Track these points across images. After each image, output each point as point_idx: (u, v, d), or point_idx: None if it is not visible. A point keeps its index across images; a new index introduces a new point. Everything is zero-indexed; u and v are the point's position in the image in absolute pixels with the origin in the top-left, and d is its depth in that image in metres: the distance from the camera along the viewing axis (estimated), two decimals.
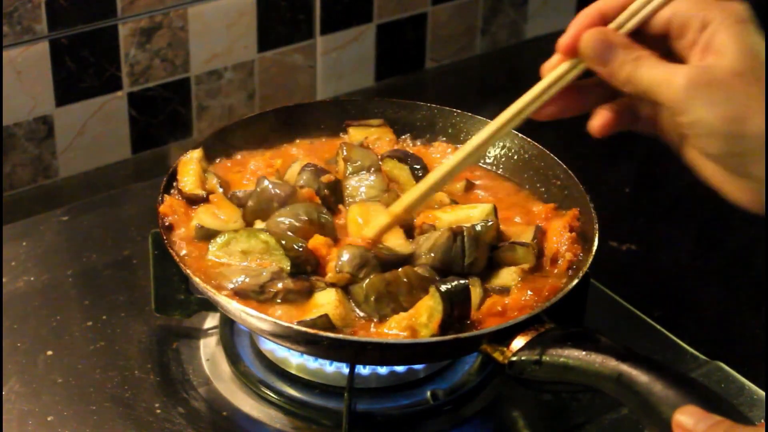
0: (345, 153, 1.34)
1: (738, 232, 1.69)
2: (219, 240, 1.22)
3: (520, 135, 1.40)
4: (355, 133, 1.42)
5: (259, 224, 1.25)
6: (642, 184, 1.83)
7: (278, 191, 1.26)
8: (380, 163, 1.34)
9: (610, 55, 0.98)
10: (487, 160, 1.42)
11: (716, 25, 0.95)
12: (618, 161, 1.85)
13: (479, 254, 1.21)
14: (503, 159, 1.41)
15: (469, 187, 1.37)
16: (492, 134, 1.08)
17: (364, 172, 1.32)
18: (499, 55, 2.06)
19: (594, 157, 1.83)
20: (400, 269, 1.18)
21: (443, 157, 1.41)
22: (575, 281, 1.18)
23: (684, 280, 1.63)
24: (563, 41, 1.02)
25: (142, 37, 1.67)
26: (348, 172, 1.33)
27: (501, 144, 1.42)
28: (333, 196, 1.29)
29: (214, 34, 1.74)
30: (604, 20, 1.01)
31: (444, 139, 1.45)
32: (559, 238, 1.26)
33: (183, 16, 1.70)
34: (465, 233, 1.20)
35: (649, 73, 0.96)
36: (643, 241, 1.67)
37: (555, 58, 1.04)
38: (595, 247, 1.22)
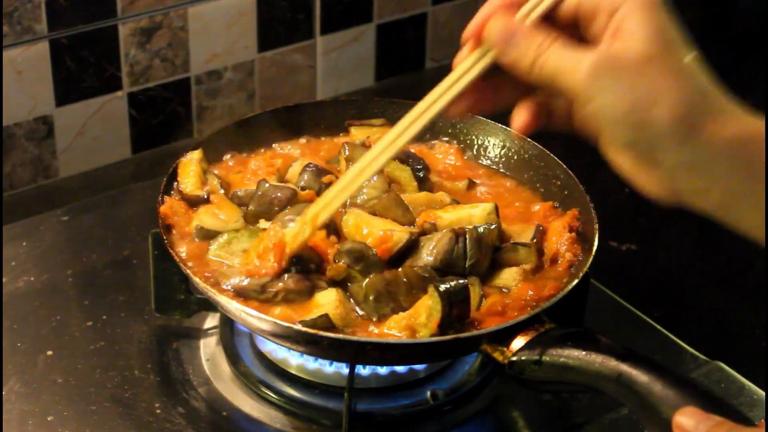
0: (347, 152, 1.34)
1: (737, 233, 1.69)
2: (220, 239, 1.22)
3: (520, 135, 1.40)
4: (357, 133, 1.42)
5: (263, 224, 1.25)
6: None
7: (279, 194, 1.26)
8: None
9: (513, 43, 0.94)
10: (488, 160, 1.42)
11: (625, 10, 0.91)
12: None
13: (481, 256, 1.21)
14: (503, 158, 1.42)
15: (471, 185, 1.37)
16: (399, 134, 1.05)
17: None
18: None
19: (594, 157, 1.83)
20: (399, 269, 1.18)
21: (445, 158, 1.41)
22: (575, 281, 1.18)
23: (684, 280, 1.63)
24: (468, 30, 0.98)
25: (142, 37, 1.67)
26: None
27: (501, 143, 1.42)
28: None
29: (214, 34, 1.74)
30: (514, 8, 0.97)
31: (446, 139, 1.45)
32: (559, 239, 1.26)
33: (183, 16, 1.70)
34: (467, 235, 1.20)
35: (552, 60, 0.92)
36: (643, 241, 1.67)
37: (464, 49, 1.00)
38: (595, 247, 1.22)
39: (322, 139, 1.44)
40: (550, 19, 0.96)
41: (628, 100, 0.89)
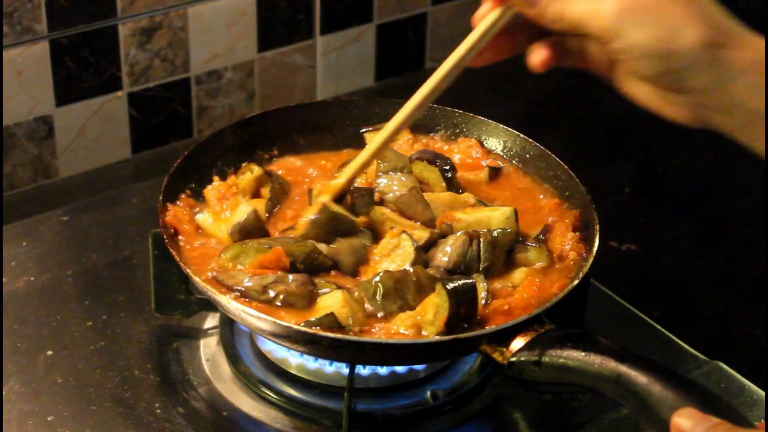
0: None
1: (738, 232, 1.69)
2: (228, 253, 1.22)
3: (521, 135, 1.41)
4: (372, 139, 1.42)
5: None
6: (642, 184, 1.83)
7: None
8: (410, 164, 1.34)
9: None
10: (501, 151, 1.43)
11: None
12: (618, 161, 1.85)
13: (495, 258, 1.22)
14: (504, 158, 1.42)
15: (494, 174, 1.38)
16: (435, 86, 1.14)
17: (397, 172, 1.33)
18: None
19: (594, 157, 1.83)
20: (410, 268, 1.18)
21: (467, 154, 1.41)
22: (575, 282, 1.18)
23: (684, 280, 1.63)
24: None
25: (142, 37, 1.67)
26: (380, 170, 1.33)
27: (502, 144, 1.42)
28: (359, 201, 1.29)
29: (214, 34, 1.74)
30: None
31: (449, 135, 1.45)
32: (563, 238, 1.26)
33: (183, 16, 1.70)
34: (481, 238, 1.21)
35: (576, 8, 1.01)
36: (643, 241, 1.67)
37: (484, 7, 1.08)
38: (595, 248, 1.22)
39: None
40: None
41: (655, 33, 0.98)
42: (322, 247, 1.23)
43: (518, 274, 1.23)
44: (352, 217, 1.25)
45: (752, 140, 1.00)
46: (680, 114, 1.02)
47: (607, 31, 0.99)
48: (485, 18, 1.09)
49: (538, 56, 1.07)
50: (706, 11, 0.99)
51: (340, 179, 1.27)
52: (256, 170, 1.34)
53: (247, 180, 1.33)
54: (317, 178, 1.36)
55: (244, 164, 1.35)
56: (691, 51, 0.97)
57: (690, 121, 1.02)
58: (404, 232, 1.22)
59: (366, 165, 1.26)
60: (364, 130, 1.44)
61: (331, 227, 1.24)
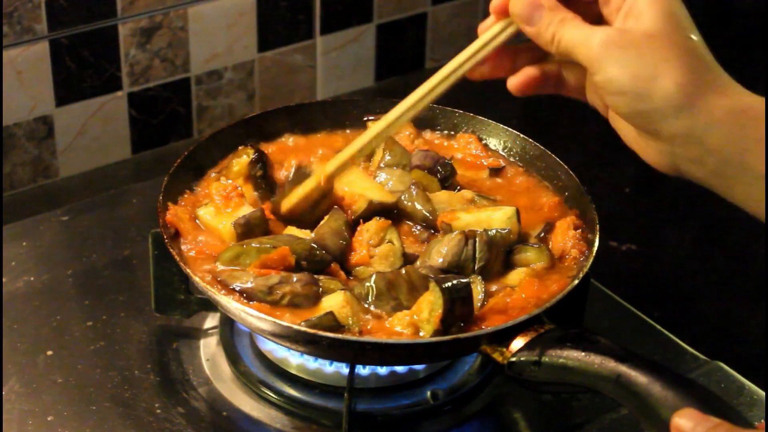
0: (386, 143, 1.35)
1: (738, 232, 1.69)
2: (228, 254, 1.21)
3: (521, 136, 1.41)
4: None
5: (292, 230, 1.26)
6: (642, 184, 1.83)
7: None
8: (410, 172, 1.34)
9: (537, 16, 1.04)
10: (502, 151, 1.43)
11: None
12: (618, 161, 1.85)
13: (492, 258, 1.21)
14: (511, 152, 1.42)
15: (493, 173, 1.38)
16: (427, 92, 1.14)
17: (398, 167, 1.33)
18: None
19: (594, 157, 1.83)
20: (403, 269, 1.18)
21: (466, 149, 1.41)
22: (575, 282, 1.18)
23: (684, 280, 1.63)
24: (495, 2, 1.08)
25: (142, 37, 1.67)
26: (384, 161, 1.34)
27: (503, 144, 1.42)
28: None
29: (214, 34, 1.74)
30: None
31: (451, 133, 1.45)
32: (565, 236, 1.26)
33: (183, 16, 1.70)
34: (477, 238, 1.21)
35: (570, 33, 1.01)
36: (643, 241, 1.67)
37: (489, 19, 1.10)
38: (595, 248, 1.22)
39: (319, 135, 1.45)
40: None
41: (633, 72, 0.98)
42: (306, 233, 1.23)
43: (516, 275, 1.22)
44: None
45: (728, 189, 0.99)
46: (656, 160, 1.02)
47: (591, 62, 0.99)
48: (489, 29, 1.10)
49: (520, 77, 1.09)
50: (692, 54, 0.98)
51: (332, 163, 1.25)
52: (252, 153, 1.33)
53: (243, 163, 1.33)
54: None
55: (240, 147, 1.35)
56: (667, 93, 0.97)
57: (665, 168, 1.02)
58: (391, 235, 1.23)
59: (353, 156, 1.24)
60: (366, 118, 1.44)
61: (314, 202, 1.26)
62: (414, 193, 1.29)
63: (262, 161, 1.32)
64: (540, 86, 1.09)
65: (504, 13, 1.08)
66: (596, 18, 1.03)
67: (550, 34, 1.03)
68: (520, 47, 1.10)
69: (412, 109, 1.17)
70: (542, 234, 1.28)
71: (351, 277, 1.22)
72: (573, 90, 1.10)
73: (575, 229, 1.27)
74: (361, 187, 1.30)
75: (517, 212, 1.27)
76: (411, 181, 1.31)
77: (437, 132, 1.45)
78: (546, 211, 1.33)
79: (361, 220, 1.25)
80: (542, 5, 1.04)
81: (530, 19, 1.04)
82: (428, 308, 1.13)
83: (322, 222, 1.24)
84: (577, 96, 1.10)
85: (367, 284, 1.17)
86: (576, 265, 1.24)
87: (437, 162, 1.35)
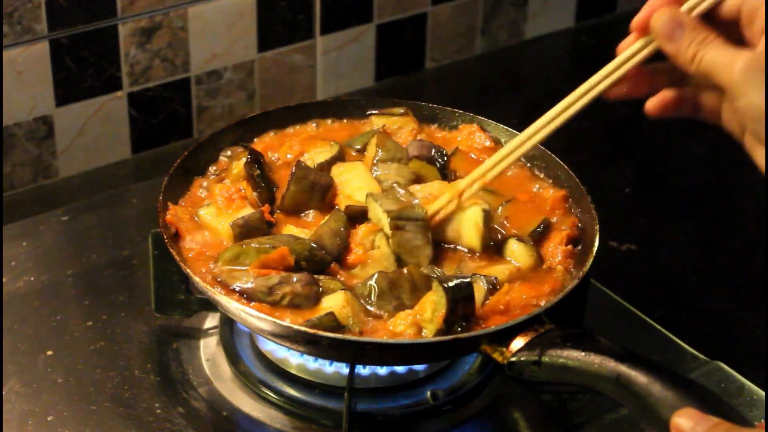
0: (378, 139, 1.35)
1: (738, 233, 1.69)
2: (227, 254, 1.21)
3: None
4: (378, 122, 1.43)
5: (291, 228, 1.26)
6: (642, 184, 1.83)
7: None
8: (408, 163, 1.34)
9: (679, 35, 1.01)
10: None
11: None
12: (618, 161, 1.85)
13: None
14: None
15: None
16: (561, 111, 1.14)
17: (394, 162, 1.34)
18: (499, 55, 2.06)
19: (594, 157, 1.83)
20: (404, 268, 1.18)
21: (469, 140, 1.41)
22: (575, 281, 1.18)
23: (684, 280, 1.63)
24: (637, 19, 1.06)
25: (142, 37, 1.67)
26: (378, 158, 1.34)
27: (503, 143, 1.42)
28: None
29: (214, 34, 1.74)
30: (677, 2, 1.05)
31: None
32: (555, 249, 1.25)
33: (183, 16, 1.70)
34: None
35: (712, 54, 0.99)
36: (643, 241, 1.67)
37: (630, 37, 1.08)
38: (595, 248, 1.22)
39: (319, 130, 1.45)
40: (710, 17, 1.03)
41: None
42: (306, 233, 1.23)
43: (496, 270, 1.22)
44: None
45: None
46: None
47: (733, 86, 0.97)
48: (629, 47, 1.08)
49: (658, 99, 1.08)
50: None
51: (465, 180, 1.25)
52: (246, 154, 1.33)
53: (242, 165, 1.32)
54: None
55: (229, 149, 1.35)
56: None
57: None
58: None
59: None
60: (370, 112, 1.44)
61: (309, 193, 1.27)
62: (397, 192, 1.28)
63: (257, 161, 1.32)
64: (677, 109, 1.07)
65: (645, 30, 1.06)
66: (737, 39, 1.01)
67: (691, 54, 1.00)
68: (658, 68, 1.08)
69: (544, 129, 1.16)
70: (538, 229, 1.27)
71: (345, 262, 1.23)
72: (709, 114, 1.07)
73: (567, 244, 1.26)
74: (353, 187, 1.30)
75: (486, 215, 1.25)
76: (410, 172, 1.31)
77: (440, 127, 1.45)
78: (549, 207, 1.32)
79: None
80: (685, 23, 1.01)
81: (672, 36, 1.02)
82: (431, 308, 1.14)
83: (321, 222, 1.24)
84: (713, 120, 1.07)
85: (369, 283, 1.17)
86: (561, 275, 1.23)
87: (435, 150, 1.35)
